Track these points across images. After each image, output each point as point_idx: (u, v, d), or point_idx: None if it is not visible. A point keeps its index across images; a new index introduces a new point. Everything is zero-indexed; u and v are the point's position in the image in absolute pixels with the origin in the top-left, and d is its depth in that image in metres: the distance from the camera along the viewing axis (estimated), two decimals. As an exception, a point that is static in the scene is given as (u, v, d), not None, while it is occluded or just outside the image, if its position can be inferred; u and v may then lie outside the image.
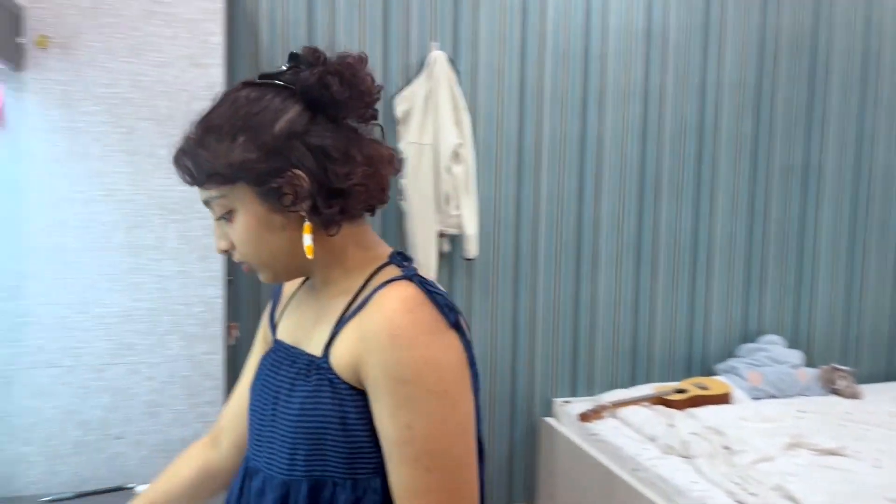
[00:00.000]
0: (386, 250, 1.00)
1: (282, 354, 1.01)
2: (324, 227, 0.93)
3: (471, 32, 2.75)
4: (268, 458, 0.96)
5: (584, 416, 2.71)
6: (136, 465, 1.69)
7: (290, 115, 0.91)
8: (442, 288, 0.94)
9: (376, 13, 2.63)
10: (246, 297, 2.52)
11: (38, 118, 1.59)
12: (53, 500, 1.60)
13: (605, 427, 2.64)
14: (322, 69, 0.92)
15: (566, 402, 2.92)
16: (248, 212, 0.93)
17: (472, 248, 2.72)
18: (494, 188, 2.84)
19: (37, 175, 1.59)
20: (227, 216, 0.95)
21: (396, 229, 2.69)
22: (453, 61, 2.70)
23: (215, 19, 1.66)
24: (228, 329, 1.76)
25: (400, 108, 2.67)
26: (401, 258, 0.98)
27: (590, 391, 3.01)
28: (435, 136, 2.68)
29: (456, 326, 0.90)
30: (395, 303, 0.88)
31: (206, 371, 1.71)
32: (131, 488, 1.66)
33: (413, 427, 0.86)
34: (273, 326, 1.10)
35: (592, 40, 2.87)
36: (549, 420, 2.91)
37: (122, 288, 1.65)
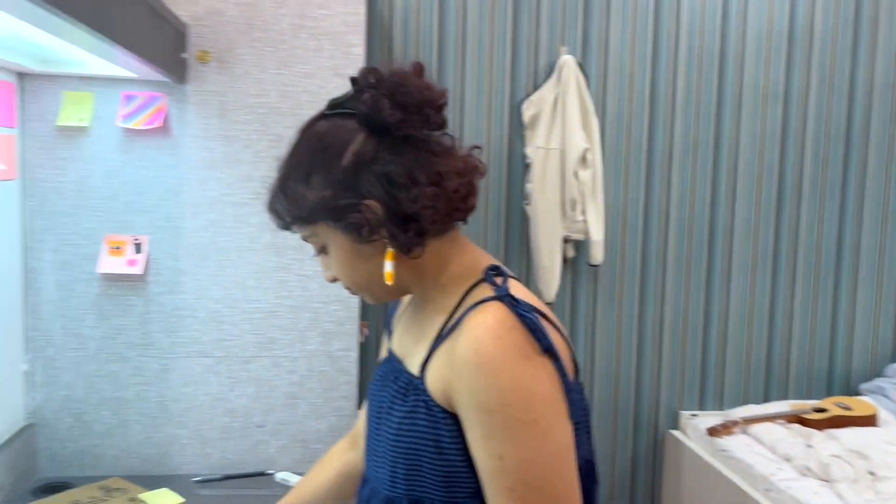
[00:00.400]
0: (482, 263, 0.97)
1: (390, 367, 1.02)
2: (405, 251, 0.92)
3: (601, 36, 2.72)
4: (375, 471, 0.98)
5: (714, 431, 2.61)
6: (276, 452, 1.79)
7: (355, 145, 0.90)
8: (540, 305, 0.91)
9: (506, 19, 2.65)
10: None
11: (197, 127, 1.72)
12: (204, 480, 1.73)
13: (735, 443, 2.53)
14: (374, 92, 0.90)
15: (693, 415, 2.82)
16: (338, 246, 0.94)
17: (597, 254, 2.68)
18: (622, 193, 2.78)
19: (194, 179, 1.72)
20: (324, 250, 0.97)
21: (520, 234, 2.70)
22: (582, 65, 2.68)
23: (357, 31, 1.73)
24: (359, 327, 1.83)
25: (528, 112, 2.67)
26: (495, 273, 0.95)
27: (719, 405, 2.88)
28: (562, 140, 2.66)
29: (548, 351, 0.87)
30: (483, 328, 0.86)
31: (342, 367, 1.79)
32: (271, 474, 1.76)
33: (504, 458, 0.83)
34: (390, 333, 1.11)
35: (729, 41, 2.76)
36: (676, 433, 2.82)
37: (268, 286, 1.76)
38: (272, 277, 1.76)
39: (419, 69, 0.95)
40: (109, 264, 1.69)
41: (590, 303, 2.79)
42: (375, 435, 0.99)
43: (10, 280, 1.64)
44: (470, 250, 1.00)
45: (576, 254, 2.75)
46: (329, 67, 1.73)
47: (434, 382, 0.91)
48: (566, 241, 2.71)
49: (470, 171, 0.95)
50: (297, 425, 1.79)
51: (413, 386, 0.94)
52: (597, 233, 2.67)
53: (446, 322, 0.93)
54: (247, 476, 1.76)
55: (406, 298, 1.12)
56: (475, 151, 0.98)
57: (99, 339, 1.72)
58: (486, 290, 0.92)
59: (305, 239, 0.97)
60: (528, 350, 0.86)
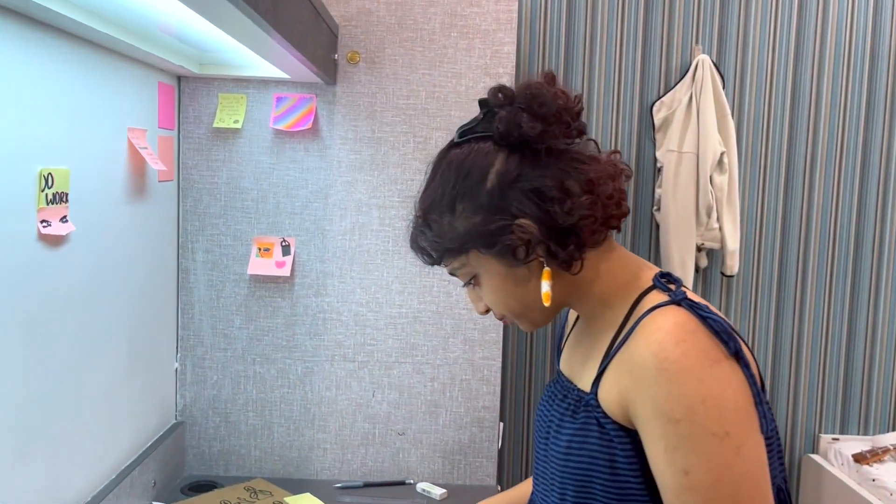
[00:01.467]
0: (648, 272, 0.91)
1: (558, 387, 0.98)
2: (565, 267, 0.87)
3: (738, 33, 2.57)
4: (543, 496, 0.93)
5: (860, 458, 2.42)
6: (416, 461, 1.75)
7: (497, 166, 0.86)
8: (719, 311, 0.84)
9: (637, 17, 2.55)
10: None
11: (345, 128, 1.70)
12: (344, 487, 1.70)
13: (885, 471, 2.34)
14: (509, 108, 0.86)
15: (835, 439, 2.63)
16: (491, 273, 0.90)
17: (733, 264, 2.54)
18: (758, 200, 2.63)
19: (341, 181, 1.71)
20: (474, 280, 0.93)
21: (650, 242, 2.58)
22: (717, 64, 2.54)
23: (508, 29, 1.67)
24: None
25: (659, 114, 2.56)
26: (666, 280, 0.89)
27: (864, 430, 2.68)
28: (697, 144, 2.53)
29: (737, 356, 0.79)
30: (663, 331, 0.80)
31: (484, 376, 1.73)
32: (412, 484, 1.72)
33: (691, 472, 0.76)
34: (558, 354, 1.06)
35: (881, 37, 2.56)
36: (815, 457, 2.63)
37: (412, 290, 1.72)
38: (416, 282, 1.72)
39: (551, 77, 0.91)
40: (259, 266, 1.69)
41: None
42: (543, 457, 0.95)
43: (167, 279, 1.66)
44: (630, 260, 0.94)
45: (708, 263, 2.61)
46: (479, 67, 1.69)
47: (608, 396, 0.85)
48: (699, 249, 2.58)
49: (618, 174, 0.91)
50: (438, 435, 1.75)
51: (584, 402, 0.89)
52: (732, 241, 2.52)
53: (616, 335, 0.88)
54: (387, 485, 1.72)
55: (572, 316, 1.08)
56: (614, 157, 0.93)
57: (246, 340, 1.72)
58: (658, 297, 0.86)
59: (454, 272, 0.94)
60: (716, 354, 0.79)
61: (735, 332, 0.84)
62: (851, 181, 2.62)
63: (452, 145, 0.93)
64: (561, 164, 0.87)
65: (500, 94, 0.89)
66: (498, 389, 1.74)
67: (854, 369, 2.67)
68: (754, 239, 2.64)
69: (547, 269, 0.88)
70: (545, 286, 0.88)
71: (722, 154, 2.51)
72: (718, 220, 2.54)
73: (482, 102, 0.91)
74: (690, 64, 2.54)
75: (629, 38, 2.56)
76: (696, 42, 2.58)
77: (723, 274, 2.57)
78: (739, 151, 2.59)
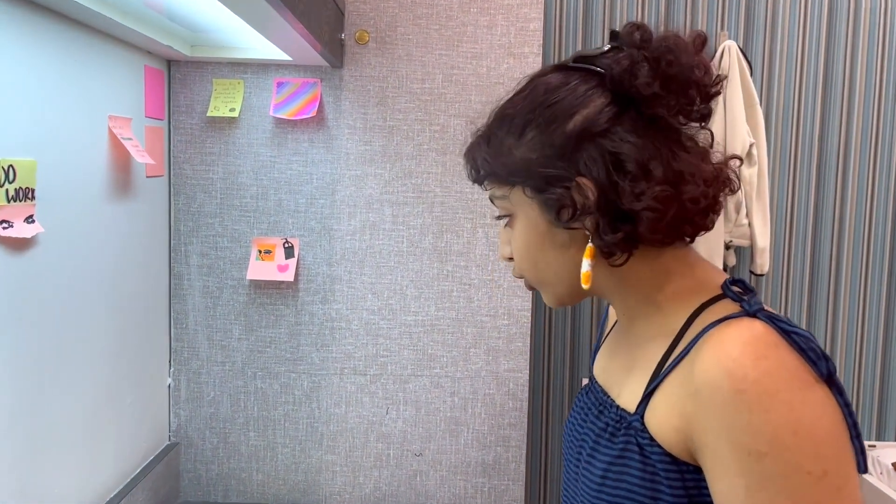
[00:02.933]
0: (716, 278, 0.76)
1: (592, 399, 0.83)
2: (605, 253, 0.73)
3: (767, 18, 2.42)
4: None
5: (902, 467, 2.27)
6: (435, 485, 1.59)
7: (589, 109, 0.72)
8: (802, 328, 0.69)
9: (659, 2, 2.39)
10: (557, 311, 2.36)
11: (353, 116, 1.54)
12: (357, 514, 1.54)
13: (931, 483, 2.18)
14: (635, 52, 0.72)
15: (871, 446, 2.48)
16: (528, 221, 0.77)
17: (763, 263, 2.38)
18: (789, 194, 2.47)
19: (350, 175, 1.54)
20: (509, 220, 0.80)
21: (677, 239, 2.42)
22: (744, 51, 2.39)
23: (535, 3, 1.51)
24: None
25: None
26: (737, 289, 0.74)
27: (902, 437, 2.53)
28: (724, 135, 2.38)
29: (829, 380, 0.65)
30: (738, 346, 0.64)
31: (510, 390, 1.57)
32: (431, 510, 1.56)
33: None
34: (594, 354, 0.92)
35: (921, 19, 2.41)
36: (852, 467, 2.48)
37: (429, 296, 1.56)
38: (433, 286, 1.55)
39: (700, 42, 0.75)
40: (259, 270, 1.52)
41: (754, 317, 2.48)
42: (574, 480, 0.80)
43: (157, 286, 1.49)
44: (696, 262, 0.78)
45: (737, 262, 2.45)
46: (502, 46, 1.52)
47: (661, 421, 0.70)
48: (727, 247, 2.42)
49: (720, 183, 0.75)
50: (459, 455, 1.58)
51: (626, 423, 0.75)
52: (763, 238, 2.37)
53: (671, 347, 0.73)
54: (404, 510, 1.56)
55: (613, 316, 0.93)
56: (733, 162, 0.77)
57: (246, 353, 1.56)
58: (727, 307, 0.71)
59: (493, 199, 0.81)
60: (805, 375, 0.64)
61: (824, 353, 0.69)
62: (887, 173, 2.46)
63: (558, 66, 0.79)
64: (656, 141, 0.71)
65: (636, 33, 0.74)
66: (525, 405, 1.58)
67: (891, 373, 2.52)
68: (785, 235, 2.49)
69: (591, 247, 0.74)
70: (585, 265, 0.74)
71: (751, 146, 2.36)
72: (748, 215, 2.38)
73: (614, 34, 0.77)
74: (716, 51, 2.38)
75: (651, 23, 2.40)
76: (722, 28, 2.43)
77: (752, 273, 2.42)
78: (769, 143, 2.43)
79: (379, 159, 1.54)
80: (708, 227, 0.75)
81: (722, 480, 0.65)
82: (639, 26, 0.74)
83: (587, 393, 0.86)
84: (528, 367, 1.57)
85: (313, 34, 1.21)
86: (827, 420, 0.63)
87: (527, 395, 1.58)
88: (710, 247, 2.39)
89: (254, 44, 1.42)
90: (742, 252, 2.44)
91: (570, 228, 0.74)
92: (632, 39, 0.73)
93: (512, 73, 1.53)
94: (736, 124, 2.36)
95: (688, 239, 0.77)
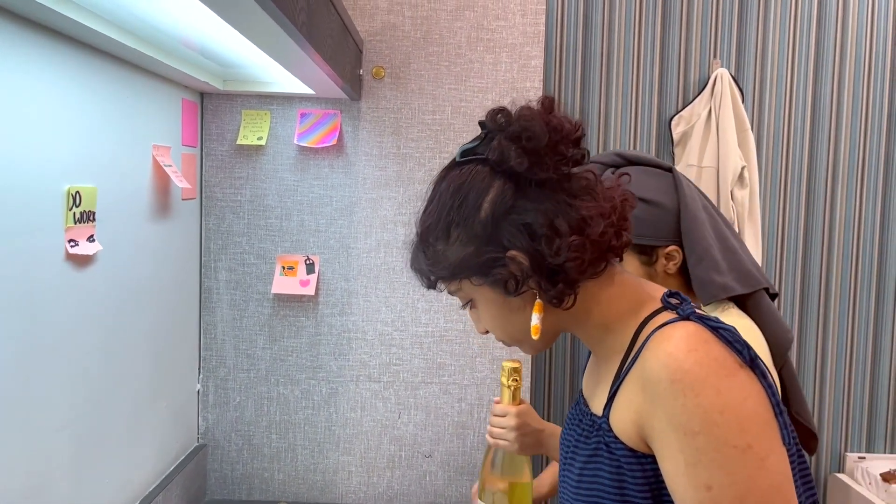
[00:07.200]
0: (653, 294, 0.87)
1: (577, 410, 0.95)
2: (556, 304, 0.83)
3: (757, 47, 2.55)
4: None
5: (889, 476, 2.37)
6: (443, 485, 1.71)
7: (491, 195, 0.82)
8: (729, 324, 0.80)
9: (654, 32, 2.53)
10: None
11: (370, 144, 1.67)
12: (371, 512, 1.66)
13: (916, 491, 2.28)
14: (500, 138, 0.82)
15: (861, 457, 2.58)
16: (486, 301, 0.87)
17: (755, 280, 2.50)
18: (780, 215, 2.59)
19: (366, 198, 1.68)
20: (472, 304, 0.90)
21: (673, 257, 2.54)
22: (736, 79, 2.52)
23: (536, 42, 1.65)
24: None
25: (677, 129, 2.53)
26: (675, 300, 0.85)
27: (891, 447, 2.63)
28: (717, 158, 2.51)
29: (752, 365, 0.76)
30: (673, 344, 0.76)
31: (513, 396, 1.69)
32: (440, 508, 1.68)
33: (713, 487, 0.72)
34: (583, 373, 1.04)
35: (903, 50, 2.55)
36: (841, 476, 2.58)
37: (438, 308, 1.68)
38: (442, 300, 1.68)
39: (549, 104, 0.85)
40: (282, 284, 1.66)
41: (747, 332, 2.59)
42: (563, 481, 0.92)
43: (189, 299, 1.63)
44: (630, 284, 0.89)
45: (731, 279, 2.57)
46: (506, 81, 1.66)
47: (621, 418, 0.82)
48: (721, 265, 2.54)
49: (618, 207, 0.85)
50: (466, 457, 1.70)
51: (596, 427, 0.86)
52: (755, 258, 2.49)
53: (625, 357, 0.84)
54: (414, 508, 1.68)
55: None
56: (619, 183, 0.88)
57: (269, 361, 1.69)
58: (665, 316, 0.82)
59: (452, 293, 0.90)
60: (731, 364, 0.75)
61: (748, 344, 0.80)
62: (874, 194, 2.58)
63: (453, 165, 0.89)
64: (553, 200, 0.82)
65: (498, 117, 0.85)
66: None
67: (880, 386, 2.62)
68: (776, 254, 2.61)
69: (539, 302, 0.84)
70: (535, 318, 0.84)
71: (742, 168, 2.49)
72: (740, 235, 2.51)
73: (481, 124, 0.88)
74: (709, 78, 2.51)
75: (647, 53, 2.54)
76: (715, 56, 2.56)
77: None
78: (760, 166, 2.56)
79: (393, 184, 1.68)
80: (626, 246, 0.85)
81: (667, 460, 0.76)
82: (500, 111, 0.85)
83: (576, 405, 0.98)
84: (529, 376, 1.70)
85: (337, 72, 1.35)
86: (751, 401, 0.74)
87: (529, 402, 1.70)
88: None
89: (280, 79, 1.56)
90: (735, 270, 2.56)
91: (520, 294, 0.84)
92: (496, 124, 0.84)
93: (514, 105, 1.66)
94: (728, 148, 2.49)
95: (617, 260, 0.88)
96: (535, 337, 0.85)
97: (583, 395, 0.97)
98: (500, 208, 0.82)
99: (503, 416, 1.22)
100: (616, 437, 0.82)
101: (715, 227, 1.24)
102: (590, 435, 0.87)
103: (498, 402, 1.24)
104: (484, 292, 0.86)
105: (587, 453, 0.86)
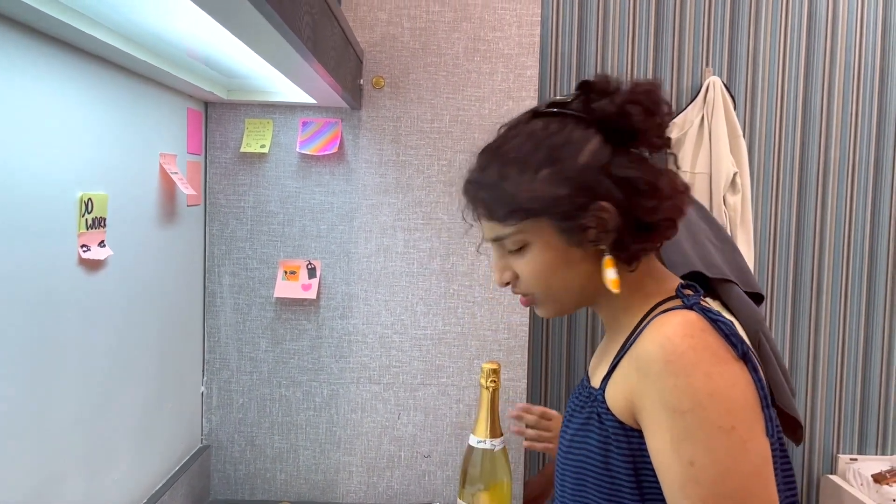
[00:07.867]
0: (673, 283, 0.92)
1: (581, 384, 1.00)
2: (628, 262, 0.87)
3: (749, 55, 2.61)
4: (559, 486, 0.94)
5: (880, 478, 2.42)
6: (441, 484, 1.75)
7: (591, 146, 0.85)
8: (729, 318, 0.85)
9: (647, 40, 2.58)
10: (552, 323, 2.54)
11: (370, 152, 1.72)
12: (371, 511, 1.70)
13: (907, 491, 2.32)
14: (622, 98, 0.86)
15: (853, 459, 2.62)
16: (546, 246, 0.88)
17: (748, 284, 2.54)
18: (771, 219, 2.64)
19: (367, 204, 1.72)
20: (519, 250, 0.90)
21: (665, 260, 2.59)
22: (728, 86, 2.57)
23: (531, 52, 1.70)
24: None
25: (670, 135, 2.58)
26: (689, 291, 0.90)
27: (882, 449, 2.67)
28: (709, 164, 2.56)
29: (745, 359, 0.80)
30: (670, 326, 0.81)
31: (510, 397, 1.73)
32: (439, 507, 1.72)
33: (696, 464, 0.76)
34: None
35: (890, 55, 2.60)
36: (833, 478, 2.62)
37: (437, 312, 1.73)
38: (441, 304, 1.73)
39: (660, 85, 0.91)
40: (284, 289, 1.70)
41: (740, 334, 2.64)
42: (560, 446, 0.97)
43: (193, 303, 1.67)
44: (659, 270, 0.95)
45: (724, 283, 2.61)
46: (502, 90, 1.71)
47: (615, 392, 0.86)
48: (714, 269, 2.58)
49: (683, 193, 0.91)
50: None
51: (592, 398, 0.91)
52: (747, 262, 2.53)
53: (630, 336, 0.89)
54: (414, 507, 1.72)
55: None
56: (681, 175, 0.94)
57: (272, 363, 1.73)
58: (673, 303, 0.88)
59: (503, 237, 0.90)
60: (724, 353, 0.79)
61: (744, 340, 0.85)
62: (864, 198, 2.64)
63: (538, 114, 0.92)
64: (647, 164, 0.88)
65: (608, 82, 0.88)
66: (524, 410, 1.74)
67: (871, 388, 2.66)
68: (768, 257, 2.65)
69: (609, 257, 0.87)
70: (611, 273, 0.86)
71: (734, 174, 2.54)
72: (733, 239, 2.55)
73: (584, 84, 0.90)
74: (701, 85, 2.57)
75: (640, 61, 2.59)
76: (707, 64, 2.61)
77: (738, 293, 2.57)
78: (752, 172, 2.61)
79: (392, 190, 1.72)
80: (676, 233, 0.89)
81: (654, 436, 0.80)
82: (607, 77, 0.89)
83: (580, 384, 1.02)
84: (526, 377, 1.74)
85: (338, 82, 1.40)
86: (739, 389, 0.78)
87: (525, 402, 1.74)
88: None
89: (282, 88, 1.60)
90: (728, 273, 2.60)
91: (595, 246, 0.86)
92: (608, 87, 0.88)
93: (511, 114, 1.69)
94: (720, 155, 2.53)
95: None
96: (615, 290, 0.86)
97: (587, 372, 1.01)
98: (601, 159, 0.85)
99: (549, 420, 1.31)
100: (608, 409, 0.86)
101: (692, 233, 1.29)
102: (584, 405, 0.91)
103: (525, 407, 1.30)
104: (548, 237, 0.87)
105: (580, 421, 0.90)
